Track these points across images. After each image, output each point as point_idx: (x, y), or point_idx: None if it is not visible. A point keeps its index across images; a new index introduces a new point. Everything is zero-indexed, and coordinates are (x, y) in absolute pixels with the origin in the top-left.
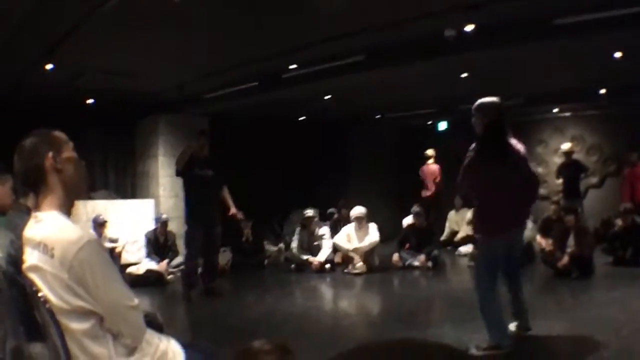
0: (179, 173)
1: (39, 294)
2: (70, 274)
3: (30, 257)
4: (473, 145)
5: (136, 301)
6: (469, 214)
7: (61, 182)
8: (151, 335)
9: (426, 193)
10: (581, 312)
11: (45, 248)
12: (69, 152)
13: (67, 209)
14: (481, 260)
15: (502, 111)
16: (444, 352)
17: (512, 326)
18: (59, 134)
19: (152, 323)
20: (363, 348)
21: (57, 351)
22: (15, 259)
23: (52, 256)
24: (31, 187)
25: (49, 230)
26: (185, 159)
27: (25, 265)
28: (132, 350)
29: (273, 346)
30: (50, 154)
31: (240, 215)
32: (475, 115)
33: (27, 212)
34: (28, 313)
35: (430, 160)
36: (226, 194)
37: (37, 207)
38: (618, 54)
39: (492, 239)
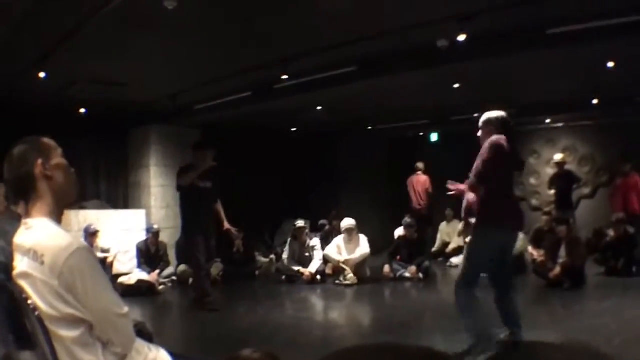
0: (180, 188)
1: (29, 302)
2: (60, 281)
3: (20, 264)
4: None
5: (126, 309)
6: (460, 225)
7: (51, 189)
8: (140, 344)
9: (415, 205)
10: (573, 322)
11: (35, 255)
12: (58, 158)
13: (57, 216)
14: (473, 252)
15: (507, 125)
16: (425, 354)
17: (502, 335)
18: (47, 141)
19: (142, 332)
20: (344, 351)
21: (46, 359)
22: (6, 266)
23: (42, 263)
24: (21, 195)
25: (39, 237)
26: (193, 177)
27: (15, 272)
28: (121, 359)
29: (262, 354)
30: (40, 161)
31: (234, 231)
32: (482, 129)
33: (18, 219)
34: (18, 321)
35: (419, 172)
36: (219, 207)
37: (27, 214)
38: (611, 64)
39: (490, 227)
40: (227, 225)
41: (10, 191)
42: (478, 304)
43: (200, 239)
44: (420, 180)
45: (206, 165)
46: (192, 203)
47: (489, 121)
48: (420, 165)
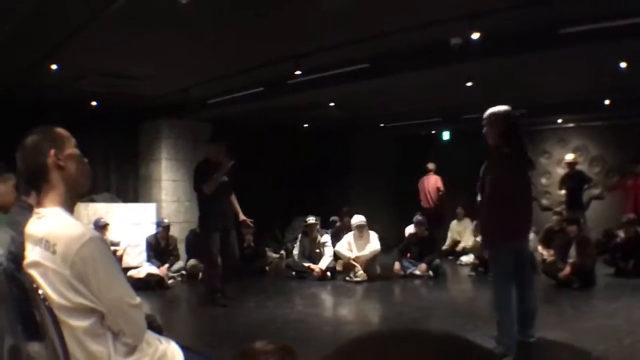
0: (197, 188)
1: (39, 291)
2: (72, 271)
3: (32, 254)
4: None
5: (138, 300)
6: (471, 224)
7: (63, 179)
8: (151, 336)
9: (424, 204)
10: (582, 322)
11: (47, 244)
12: (71, 148)
13: (70, 206)
14: (494, 267)
15: (512, 120)
16: (449, 340)
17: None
18: (61, 131)
19: (152, 325)
20: (366, 337)
21: (55, 350)
22: (16, 256)
23: (54, 252)
24: (33, 184)
25: (51, 226)
26: (216, 183)
27: (26, 262)
28: (131, 350)
29: (276, 347)
30: (53, 152)
31: (249, 222)
32: (488, 124)
33: (29, 210)
34: (27, 311)
35: (430, 173)
36: (234, 200)
37: (40, 204)
38: (623, 64)
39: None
40: (242, 216)
41: (22, 181)
42: (512, 304)
43: (216, 234)
44: (430, 181)
45: (226, 168)
46: (208, 198)
47: (494, 116)
48: (431, 165)
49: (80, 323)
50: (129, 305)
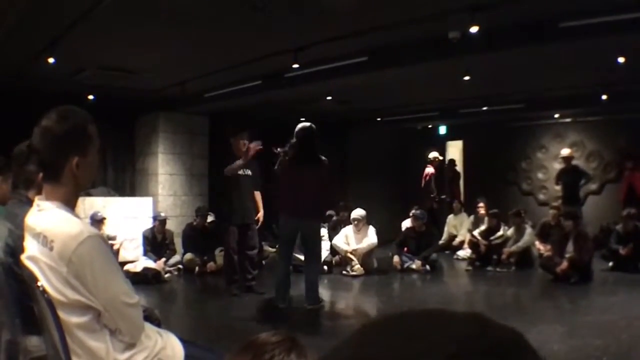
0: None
1: (38, 284)
2: (69, 269)
3: (31, 247)
4: None
5: (136, 298)
6: (468, 218)
7: (73, 181)
8: (150, 329)
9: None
10: (580, 316)
11: (44, 240)
12: (92, 155)
13: (72, 202)
14: None
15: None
16: (477, 321)
17: None
18: (92, 130)
19: (150, 318)
20: (394, 317)
21: (55, 344)
22: (13, 249)
23: (51, 249)
24: (42, 169)
25: (50, 222)
26: (237, 169)
27: (25, 254)
28: (130, 345)
29: (282, 337)
30: (75, 160)
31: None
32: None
33: (28, 203)
34: (25, 305)
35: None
36: (258, 196)
37: (40, 192)
38: (621, 59)
39: None
40: (260, 215)
41: (36, 158)
42: None
43: (234, 228)
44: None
45: (249, 156)
46: (230, 191)
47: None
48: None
49: (76, 319)
50: (126, 304)
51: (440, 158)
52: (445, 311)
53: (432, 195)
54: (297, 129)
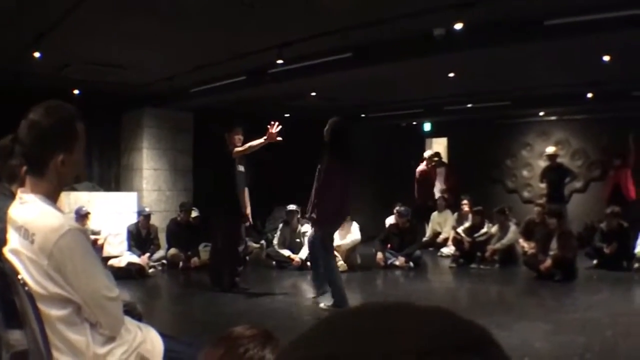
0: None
1: (19, 277)
2: (50, 261)
3: (13, 240)
4: None
5: (117, 292)
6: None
7: (57, 177)
8: (130, 323)
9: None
10: (564, 314)
11: (26, 233)
12: (78, 153)
13: (54, 197)
14: None
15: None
16: (443, 316)
17: None
18: (80, 129)
19: (131, 312)
20: (356, 309)
21: (36, 337)
22: None
23: (32, 242)
24: (26, 160)
25: (31, 215)
26: (253, 148)
27: (7, 247)
28: (110, 338)
29: (256, 331)
30: (60, 158)
31: (249, 220)
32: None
33: (11, 197)
34: (7, 299)
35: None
36: (246, 193)
37: (25, 187)
38: (606, 58)
39: None
40: (248, 210)
41: (21, 151)
42: None
43: (225, 222)
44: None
45: (261, 140)
46: (232, 186)
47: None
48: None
49: (56, 312)
50: (106, 298)
51: (436, 159)
52: (410, 305)
53: (431, 193)
54: (333, 124)
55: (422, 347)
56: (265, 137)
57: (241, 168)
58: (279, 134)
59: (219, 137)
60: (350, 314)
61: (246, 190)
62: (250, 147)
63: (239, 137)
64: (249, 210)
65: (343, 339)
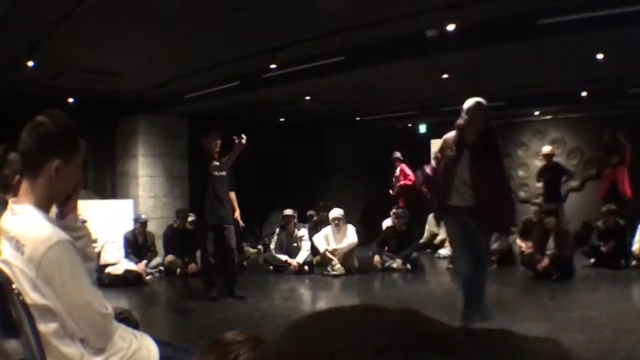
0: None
1: (13, 286)
2: (38, 272)
3: (5, 250)
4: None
5: (110, 309)
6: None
7: (49, 186)
8: (125, 330)
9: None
10: (562, 313)
11: (17, 244)
12: (74, 166)
13: (46, 207)
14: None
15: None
16: (409, 318)
17: None
18: (81, 144)
19: (127, 320)
20: (324, 313)
21: (32, 347)
22: None
23: (22, 253)
24: (24, 165)
25: (22, 226)
26: (231, 160)
27: (1, 257)
28: (103, 348)
29: (247, 336)
30: (56, 163)
31: (240, 224)
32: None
33: (4, 205)
34: (3, 308)
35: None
36: (233, 196)
37: (17, 197)
38: (600, 56)
39: None
40: (237, 215)
41: (20, 150)
42: None
43: (210, 230)
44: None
45: (236, 152)
46: (206, 192)
47: (480, 106)
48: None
49: (46, 325)
50: (99, 314)
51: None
52: (377, 306)
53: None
54: (479, 104)
55: (381, 342)
56: (235, 149)
57: (222, 172)
58: (244, 141)
59: (199, 142)
60: (319, 314)
61: (233, 194)
62: (229, 159)
63: (216, 143)
64: (237, 214)
65: (306, 337)
